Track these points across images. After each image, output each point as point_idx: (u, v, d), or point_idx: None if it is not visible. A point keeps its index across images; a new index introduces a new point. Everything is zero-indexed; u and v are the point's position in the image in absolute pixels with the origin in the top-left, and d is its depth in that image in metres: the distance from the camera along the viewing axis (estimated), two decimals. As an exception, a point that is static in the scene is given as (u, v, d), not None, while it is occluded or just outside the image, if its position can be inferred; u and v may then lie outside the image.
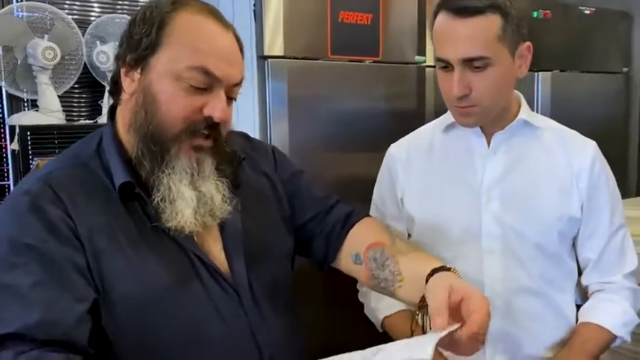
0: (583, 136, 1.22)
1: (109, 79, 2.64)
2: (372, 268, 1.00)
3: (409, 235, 1.26)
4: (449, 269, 0.91)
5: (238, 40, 0.96)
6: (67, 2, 2.67)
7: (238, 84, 0.93)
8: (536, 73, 2.48)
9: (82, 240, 0.85)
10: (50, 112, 2.42)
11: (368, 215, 1.14)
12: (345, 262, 1.07)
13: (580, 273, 1.23)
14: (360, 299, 1.33)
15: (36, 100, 2.50)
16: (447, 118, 1.21)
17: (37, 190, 0.86)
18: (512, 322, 1.14)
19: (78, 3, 2.69)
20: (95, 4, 2.72)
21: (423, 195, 1.21)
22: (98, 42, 2.57)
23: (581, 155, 1.16)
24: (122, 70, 0.91)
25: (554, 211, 1.13)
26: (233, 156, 0.97)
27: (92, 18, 2.66)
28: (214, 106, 0.88)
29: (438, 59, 1.09)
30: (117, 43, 2.64)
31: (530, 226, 1.13)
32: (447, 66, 1.06)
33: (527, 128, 1.16)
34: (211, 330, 0.89)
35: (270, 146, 1.18)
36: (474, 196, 1.15)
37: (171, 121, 0.87)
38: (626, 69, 2.85)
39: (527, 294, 1.14)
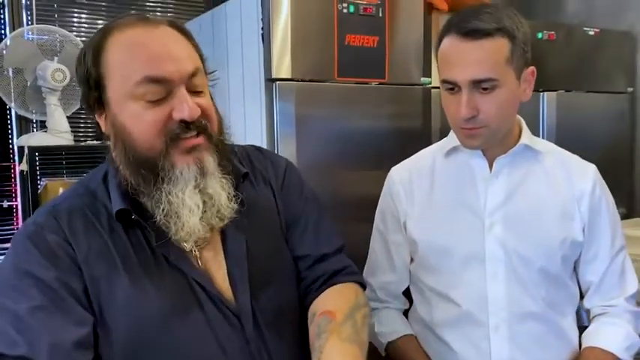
0: (583, 160, 1.22)
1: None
2: (314, 332, 0.95)
3: (412, 260, 1.25)
4: None
5: (180, 29, 0.92)
6: (75, 24, 2.71)
7: (195, 74, 0.89)
8: (541, 93, 2.49)
9: (81, 266, 0.86)
10: (59, 132, 2.44)
11: (355, 280, 1.07)
12: (309, 313, 1.01)
13: (582, 296, 1.23)
14: None
15: (44, 122, 2.53)
16: (449, 142, 1.21)
17: (42, 221, 0.90)
18: (516, 348, 1.13)
19: (86, 25, 2.73)
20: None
21: (425, 219, 1.21)
22: (107, 64, 2.60)
23: (582, 179, 1.16)
24: (95, 116, 0.92)
25: (557, 235, 1.13)
26: (229, 149, 0.96)
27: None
28: (180, 108, 0.86)
29: (444, 81, 1.09)
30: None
31: (534, 250, 1.13)
32: (453, 88, 1.07)
33: (528, 152, 1.17)
34: (209, 358, 0.87)
35: (284, 161, 1.12)
36: (477, 220, 1.15)
37: (148, 140, 0.86)
38: (631, 89, 2.86)
39: (531, 319, 1.13)
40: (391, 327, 1.24)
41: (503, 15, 1.04)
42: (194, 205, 0.88)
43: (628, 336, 1.15)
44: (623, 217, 2.74)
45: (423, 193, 1.22)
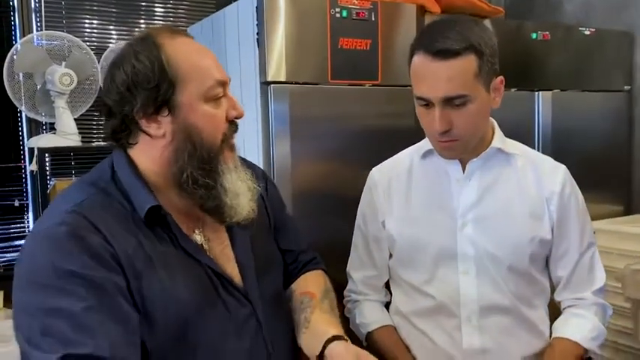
0: (554, 161, 1.27)
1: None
2: (294, 309, 1.15)
3: (390, 255, 1.32)
4: (346, 339, 1.05)
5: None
6: (85, 29, 2.80)
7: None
8: (536, 93, 2.52)
9: (122, 264, 0.90)
10: (67, 134, 2.53)
11: (322, 268, 1.27)
12: (286, 293, 1.21)
13: (553, 289, 1.29)
14: (346, 314, 1.39)
15: (54, 124, 2.62)
16: (425, 144, 1.27)
17: (72, 221, 0.89)
18: (487, 339, 1.19)
19: (96, 31, 2.83)
20: (113, 32, 2.85)
21: (403, 218, 1.27)
22: (113, 67, 2.69)
23: (551, 180, 1.22)
24: (142, 120, 0.96)
25: (525, 234, 1.19)
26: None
27: (110, 44, 2.79)
28: (235, 107, 1.01)
29: (417, 97, 1.14)
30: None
31: (503, 249, 1.19)
32: (427, 104, 1.13)
33: (500, 155, 1.22)
34: (231, 339, 0.97)
35: (261, 170, 1.27)
36: (450, 219, 1.21)
37: (215, 139, 0.98)
38: (628, 87, 2.88)
39: (500, 312, 1.20)
40: (371, 318, 1.31)
41: (471, 32, 1.08)
42: (245, 190, 1.01)
43: (594, 327, 1.21)
44: (621, 214, 2.78)
45: (400, 193, 1.28)
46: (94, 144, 2.77)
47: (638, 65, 2.90)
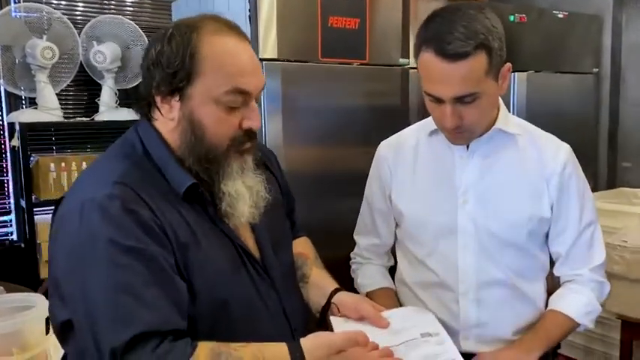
0: (557, 140, 1.30)
1: (105, 78, 2.73)
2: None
3: (396, 225, 1.38)
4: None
5: (250, 43, 1.03)
6: (64, 2, 2.75)
7: (263, 88, 1.02)
8: (512, 74, 2.61)
9: (169, 236, 0.93)
10: (49, 109, 2.50)
11: (305, 235, 1.36)
12: None
13: (552, 264, 1.34)
14: (352, 274, 1.47)
15: (33, 98, 2.59)
16: (432, 122, 1.29)
17: (122, 194, 0.90)
18: (483, 311, 1.25)
19: (73, 3, 2.77)
20: (95, 4, 2.81)
21: (407, 193, 1.32)
22: (95, 42, 2.66)
23: (553, 159, 1.25)
24: (157, 98, 0.98)
25: (524, 212, 1.23)
26: (258, 153, 1.09)
27: (88, 18, 2.74)
28: (252, 118, 0.99)
29: (427, 93, 1.15)
30: (114, 43, 2.70)
31: (502, 225, 1.23)
32: (437, 99, 1.14)
33: (502, 135, 1.25)
34: (256, 307, 1.03)
35: (271, 150, 1.31)
36: (452, 196, 1.26)
37: (220, 141, 0.97)
38: (597, 69, 3.01)
39: (497, 285, 1.25)
40: (371, 279, 1.38)
41: (478, 25, 1.08)
42: (247, 197, 1.02)
43: (589, 303, 1.26)
44: (588, 190, 2.94)
45: (406, 168, 1.33)
46: (76, 119, 2.74)
47: (606, 48, 3.03)
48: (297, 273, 1.23)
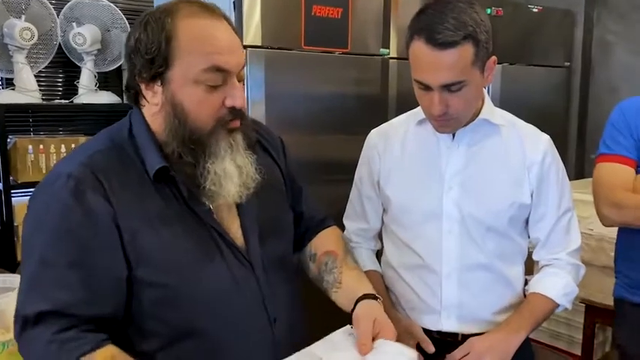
0: (538, 131, 1.36)
1: (85, 60, 2.71)
2: (321, 270, 1.22)
3: (384, 210, 1.44)
4: (376, 298, 1.13)
5: (230, 23, 1.02)
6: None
7: (243, 67, 1.03)
8: (488, 66, 2.69)
9: (119, 220, 0.95)
10: (27, 91, 2.48)
11: (334, 225, 1.33)
12: (304, 255, 1.28)
13: (530, 249, 1.41)
14: None
15: (10, 79, 2.56)
16: (421, 112, 1.33)
17: (79, 175, 0.95)
18: (465, 293, 1.31)
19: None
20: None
21: (396, 179, 1.37)
22: (74, 24, 2.63)
23: (534, 149, 1.30)
24: (142, 85, 0.99)
25: (506, 199, 1.29)
26: (252, 134, 1.09)
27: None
28: (234, 96, 0.99)
29: (417, 81, 1.21)
30: (94, 25, 2.68)
31: (485, 211, 1.29)
32: (425, 87, 1.20)
33: (487, 125, 1.31)
34: (229, 295, 1.03)
35: (278, 137, 1.29)
36: (438, 183, 1.31)
37: (203, 122, 0.98)
38: (568, 63, 3.11)
39: (479, 269, 1.31)
40: (359, 263, 1.43)
41: (467, 17, 1.14)
42: (235, 176, 1.02)
43: (567, 284, 1.33)
44: (556, 180, 3.04)
45: (394, 156, 1.38)
46: (54, 101, 2.72)
47: (578, 43, 3.13)
48: (329, 277, 1.19)
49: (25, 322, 0.92)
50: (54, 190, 0.95)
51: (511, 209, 1.29)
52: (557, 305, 1.32)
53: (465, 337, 1.30)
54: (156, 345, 1.00)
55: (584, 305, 2.16)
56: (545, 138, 1.33)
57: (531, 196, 1.31)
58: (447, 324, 1.32)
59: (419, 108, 1.33)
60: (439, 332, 1.32)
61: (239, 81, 1.03)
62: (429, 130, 1.32)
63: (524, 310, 1.31)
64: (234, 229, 1.08)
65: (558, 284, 1.33)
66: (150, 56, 0.96)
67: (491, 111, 1.32)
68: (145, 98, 1.01)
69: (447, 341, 1.31)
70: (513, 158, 1.30)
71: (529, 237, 1.37)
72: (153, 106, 1.01)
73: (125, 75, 2.92)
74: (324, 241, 1.26)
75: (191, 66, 0.96)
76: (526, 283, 1.39)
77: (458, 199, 1.29)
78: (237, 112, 1.01)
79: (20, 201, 2.56)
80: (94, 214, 0.94)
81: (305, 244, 1.28)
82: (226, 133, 1.01)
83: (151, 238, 0.97)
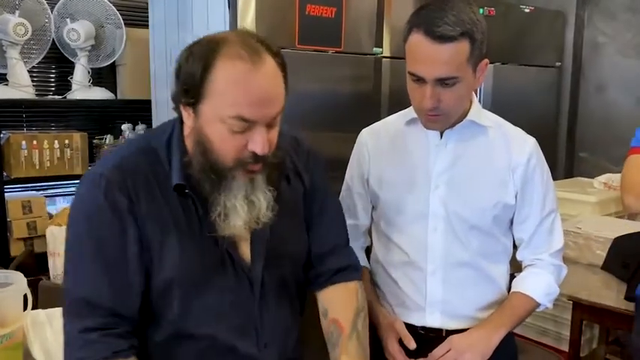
0: (524, 134, 1.38)
1: (79, 56, 2.71)
2: (327, 335, 1.20)
3: (372, 207, 1.46)
4: None
5: (278, 61, 1.02)
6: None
7: (276, 115, 1.03)
8: (479, 65, 2.71)
9: (140, 225, 1.02)
10: (20, 86, 2.48)
11: (356, 278, 1.26)
12: (319, 304, 1.25)
13: (515, 248, 1.43)
14: None
15: (4, 75, 2.55)
16: (411, 112, 1.37)
17: (110, 176, 1.02)
18: (449, 289, 1.34)
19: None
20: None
21: (385, 177, 1.39)
22: (68, 20, 2.63)
23: (519, 151, 1.33)
24: (180, 105, 1.03)
25: (490, 199, 1.32)
26: (280, 166, 1.10)
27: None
28: (256, 143, 1.00)
29: (411, 73, 1.23)
30: (88, 21, 2.67)
31: (469, 210, 1.31)
32: (419, 79, 1.22)
33: (474, 126, 1.34)
34: (225, 311, 1.08)
35: (320, 159, 1.28)
36: (426, 181, 1.34)
37: (224, 158, 1.01)
38: (559, 63, 3.14)
39: (463, 266, 1.34)
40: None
41: (466, 17, 1.18)
42: (242, 212, 1.04)
43: (549, 284, 1.37)
44: (546, 179, 3.07)
45: (383, 154, 1.41)
46: (48, 97, 2.72)
47: (569, 43, 3.16)
48: (332, 350, 1.18)
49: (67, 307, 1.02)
50: (88, 188, 1.04)
51: (495, 209, 1.32)
52: (539, 304, 1.35)
53: (449, 332, 1.33)
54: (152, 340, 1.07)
55: (571, 303, 2.19)
56: (532, 141, 1.36)
57: (515, 197, 1.33)
58: (431, 320, 1.35)
59: (410, 108, 1.36)
60: (423, 328, 1.35)
61: (272, 127, 1.03)
62: (418, 129, 1.35)
63: (506, 308, 1.34)
64: (244, 246, 1.11)
65: (540, 284, 1.36)
66: (186, 86, 1.00)
67: (478, 113, 1.34)
68: (181, 117, 1.06)
69: (430, 337, 1.33)
70: (499, 159, 1.33)
71: (513, 237, 1.40)
72: (187, 125, 1.05)
73: (119, 71, 2.93)
74: (336, 301, 1.23)
75: (219, 108, 0.98)
76: (513, 278, 1.42)
77: (444, 198, 1.32)
78: (258, 158, 1.02)
79: (13, 196, 2.56)
80: (119, 213, 1.01)
81: (316, 290, 1.26)
82: (244, 173, 1.03)
83: (166, 246, 1.03)
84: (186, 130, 1.06)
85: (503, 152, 1.33)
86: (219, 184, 1.03)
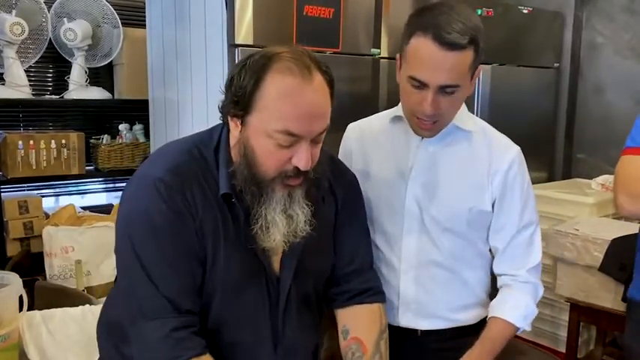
0: (509, 141, 1.37)
1: (76, 56, 2.70)
2: (347, 355, 1.21)
3: None
4: None
5: (327, 78, 1.05)
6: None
7: (322, 132, 1.05)
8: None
9: (197, 227, 1.05)
10: (17, 86, 2.47)
11: (381, 301, 1.29)
12: (338, 322, 1.27)
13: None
14: None
15: (0, 74, 2.55)
16: (396, 110, 1.37)
17: (169, 180, 1.04)
18: (422, 289, 1.35)
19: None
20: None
21: (364, 174, 1.39)
22: (65, 19, 2.62)
23: (501, 158, 1.32)
24: (228, 115, 1.06)
25: (465, 203, 1.31)
26: (319, 182, 1.12)
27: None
28: (300, 158, 1.02)
29: (413, 78, 1.19)
30: (85, 21, 2.66)
31: (443, 212, 1.32)
32: (420, 85, 1.19)
33: (457, 130, 1.33)
34: (253, 318, 1.12)
35: (352, 176, 1.31)
36: (403, 180, 1.34)
37: (267, 170, 1.04)
38: (557, 64, 3.14)
39: (436, 267, 1.34)
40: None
41: (472, 24, 1.16)
42: (282, 226, 1.06)
43: (527, 306, 1.34)
44: (545, 180, 3.08)
45: (365, 151, 1.41)
46: (45, 97, 2.71)
47: (567, 44, 3.16)
48: None
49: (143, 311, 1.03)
50: (147, 192, 1.04)
51: (469, 214, 1.31)
52: (518, 329, 1.33)
53: (424, 333, 1.34)
54: None
55: (568, 304, 2.19)
56: (515, 149, 1.34)
57: (493, 204, 1.32)
58: (405, 319, 1.36)
59: (397, 107, 1.35)
60: (398, 328, 1.35)
61: (317, 143, 1.05)
62: (401, 128, 1.35)
63: (486, 340, 1.31)
64: (275, 262, 1.15)
65: (518, 307, 1.33)
66: (236, 98, 1.01)
67: (463, 118, 1.33)
68: (229, 125, 1.08)
69: (405, 337, 1.35)
70: (478, 164, 1.32)
71: (489, 245, 1.39)
72: (234, 135, 1.07)
73: (116, 71, 2.92)
74: (358, 322, 1.24)
75: (267, 121, 1.00)
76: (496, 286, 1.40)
77: (420, 198, 1.32)
78: (300, 172, 1.04)
79: (10, 196, 2.55)
80: (181, 216, 1.04)
81: (337, 308, 1.28)
82: (283, 186, 1.05)
83: (216, 250, 1.07)
84: (232, 141, 1.08)
85: (484, 158, 1.32)
86: (259, 196, 1.05)
